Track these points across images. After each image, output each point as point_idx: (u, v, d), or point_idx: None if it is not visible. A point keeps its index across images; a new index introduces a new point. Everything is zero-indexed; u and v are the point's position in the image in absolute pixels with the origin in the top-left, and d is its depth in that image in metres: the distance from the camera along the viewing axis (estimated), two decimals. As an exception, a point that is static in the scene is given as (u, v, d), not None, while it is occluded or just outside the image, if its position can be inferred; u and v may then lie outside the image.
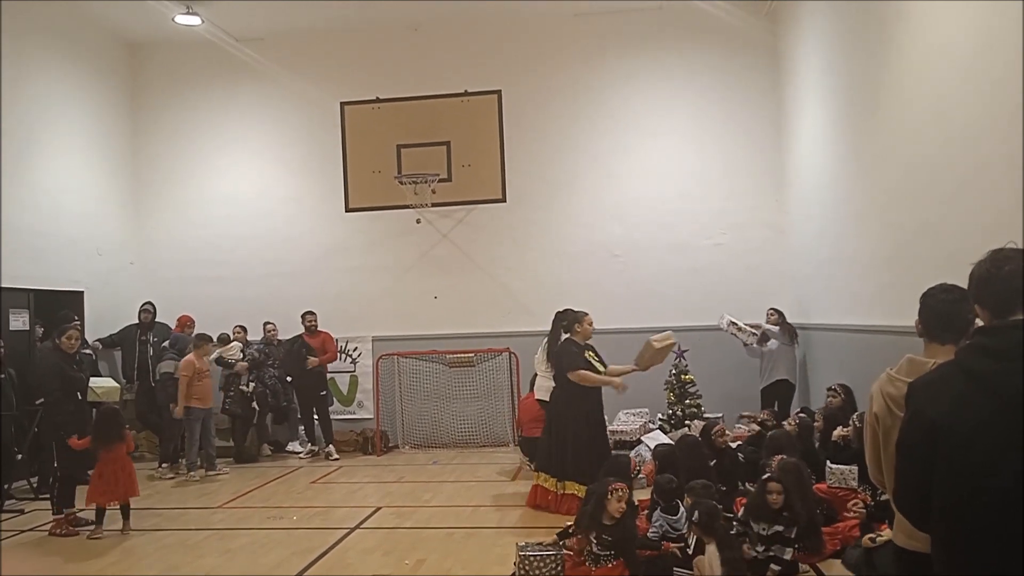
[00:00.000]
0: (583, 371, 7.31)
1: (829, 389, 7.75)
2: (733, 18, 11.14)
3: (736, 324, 9.95)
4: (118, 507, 7.23)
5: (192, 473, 9.65)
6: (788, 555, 5.17)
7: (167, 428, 10.03)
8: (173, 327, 11.01)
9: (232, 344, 10.79)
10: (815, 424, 7.33)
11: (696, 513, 5.12)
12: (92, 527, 7.18)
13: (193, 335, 10.29)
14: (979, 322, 2.36)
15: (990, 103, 5.01)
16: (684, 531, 5.54)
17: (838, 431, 6.72)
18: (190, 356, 9.77)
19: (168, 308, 11.28)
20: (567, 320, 7.81)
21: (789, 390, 9.71)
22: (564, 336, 7.71)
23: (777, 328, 9.77)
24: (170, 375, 10.03)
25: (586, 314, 7.73)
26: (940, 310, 2.88)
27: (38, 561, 6.60)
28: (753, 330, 9.88)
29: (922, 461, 2.11)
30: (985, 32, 5.07)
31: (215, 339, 10.63)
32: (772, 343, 9.77)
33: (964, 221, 5.35)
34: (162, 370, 10.22)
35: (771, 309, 10.01)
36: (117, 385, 10.19)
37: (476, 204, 11.68)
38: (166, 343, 10.56)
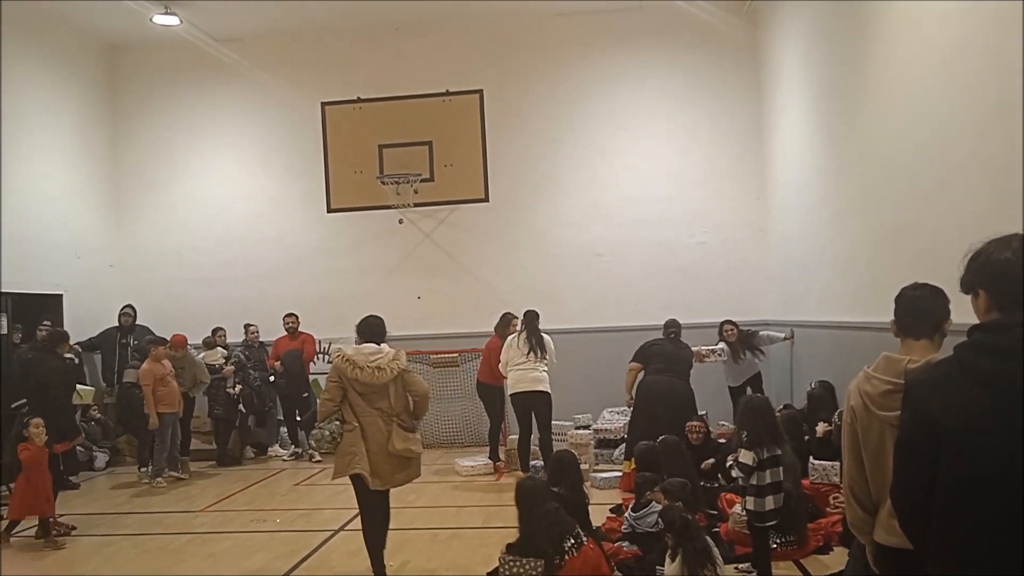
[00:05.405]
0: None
1: (810, 385, 7.81)
2: (713, 18, 11.20)
3: (712, 349, 9.46)
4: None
5: (159, 479, 9.31)
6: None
7: (143, 432, 9.90)
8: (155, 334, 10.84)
9: (215, 349, 10.71)
10: (803, 407, 7.52)
11: (659, 517, 5.17)
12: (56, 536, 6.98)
13: (146, 339, 9.92)
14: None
15: (967, 104, 5.06)
16: (652, 528, 5.57)
17: (821, 426, 6.78)
18: (146, 365, 9.34)
19: (148, 311, 11.20)
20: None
21: (758, 385, 9.61)
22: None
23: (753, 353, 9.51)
24: (132, 384, 9.75)
25: None
26: (912, 306, 2.94)
27: (24, 566, 6.54)
28: (720, 352, 9.49)
29: (923, 459, 2.11)
30: (963, 33, 5.11)
31: (201, 343, 10.57)
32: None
33: (942, 221, 5.40)
34: (125, 379, 9.99)
35: (728, 324, 9.63)
36: (92, 388, 10.21)
37: (459, 204, 11.67)
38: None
